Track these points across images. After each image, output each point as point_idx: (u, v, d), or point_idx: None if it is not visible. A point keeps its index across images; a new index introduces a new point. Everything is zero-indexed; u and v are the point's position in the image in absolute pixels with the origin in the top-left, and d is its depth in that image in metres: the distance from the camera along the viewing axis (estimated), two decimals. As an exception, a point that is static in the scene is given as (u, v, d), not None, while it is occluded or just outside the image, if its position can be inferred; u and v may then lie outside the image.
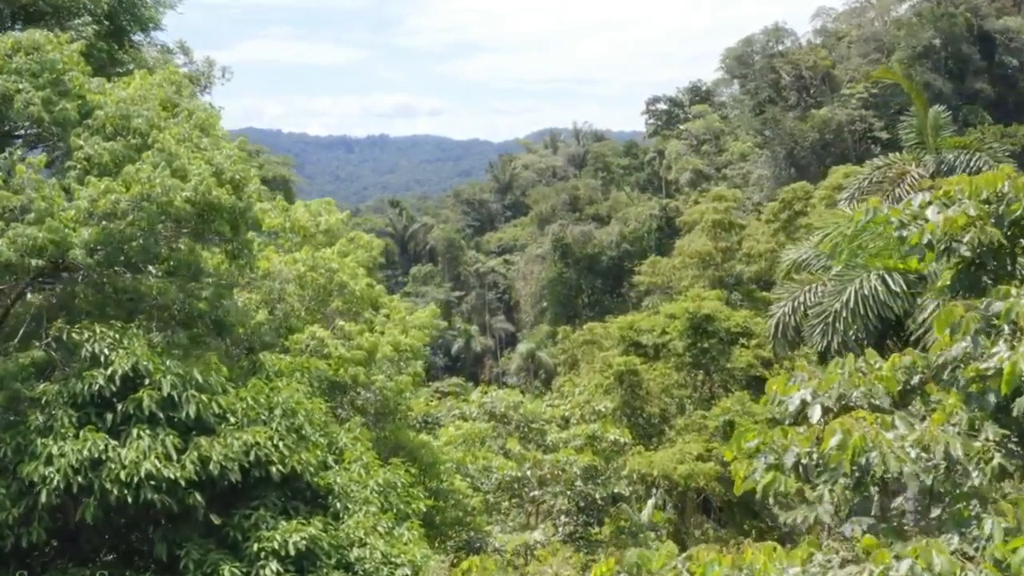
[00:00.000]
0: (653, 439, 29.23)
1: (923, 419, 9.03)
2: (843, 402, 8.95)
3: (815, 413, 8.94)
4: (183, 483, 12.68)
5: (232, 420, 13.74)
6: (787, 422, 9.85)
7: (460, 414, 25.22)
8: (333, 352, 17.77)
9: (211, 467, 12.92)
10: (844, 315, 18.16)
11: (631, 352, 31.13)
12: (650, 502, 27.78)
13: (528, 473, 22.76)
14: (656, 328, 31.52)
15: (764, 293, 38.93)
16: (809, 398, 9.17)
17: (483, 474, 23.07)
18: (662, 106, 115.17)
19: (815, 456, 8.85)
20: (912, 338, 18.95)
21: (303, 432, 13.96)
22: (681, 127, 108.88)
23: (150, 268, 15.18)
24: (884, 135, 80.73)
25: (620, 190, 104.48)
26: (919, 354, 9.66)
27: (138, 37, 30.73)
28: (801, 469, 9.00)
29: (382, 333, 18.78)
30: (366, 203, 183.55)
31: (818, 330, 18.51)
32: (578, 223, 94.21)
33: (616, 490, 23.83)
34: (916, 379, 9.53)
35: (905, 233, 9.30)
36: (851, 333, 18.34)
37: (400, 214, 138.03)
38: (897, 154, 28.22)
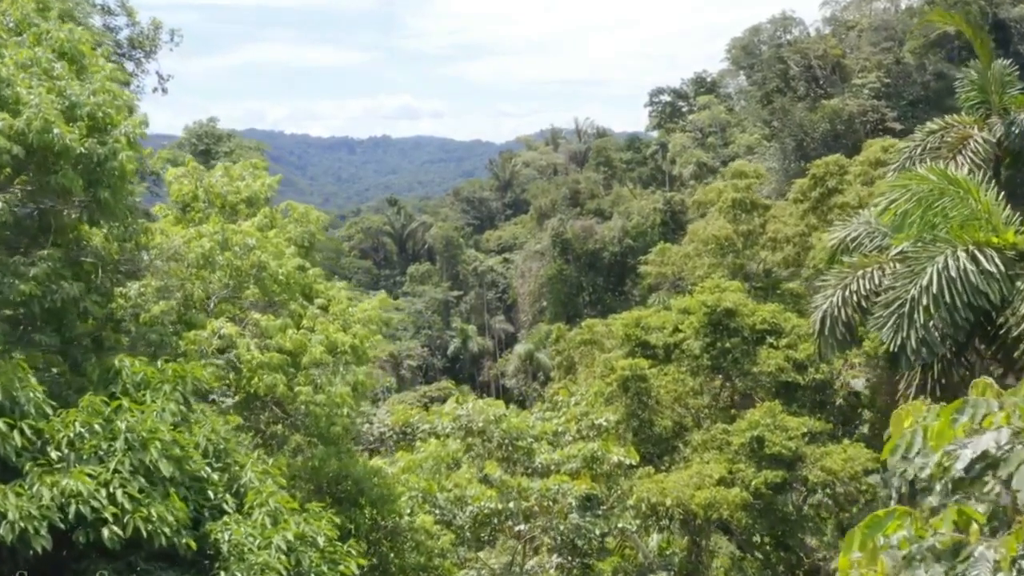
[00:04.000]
0: (664, 458, 24.64)
1: None
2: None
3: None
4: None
5: (54, 456, 9.31)
6: (940, 485, 5.28)
7: (431, 429, 20.67)
8: (243, 355, 13.27)
9: (3, 530, 8.48)
10: (924, 303, 13.66)
11: (637, 354, 26.40)
12: (655, 535, 23.14)
13: (511, 505, 18.20)
14: (667, 325, 26.80)
15: (790, 284, 34.36)
16: (1007, 442, 4.66)
17: (456, 505, 18.54)
18: (666, 98, 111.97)
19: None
20: (1010, 335, 14.52)
21: (158, 473, 9.46)
22: (686, 119, 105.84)
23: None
24: (897, 126, 77.53)
25: (623, 185, 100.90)
26: None
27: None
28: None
29: (312, 329, 14.27)
30: (368, 203, 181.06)
31: (889, 323, 13.98)
32: (579, 218, 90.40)
33: (621, 524, 19.33)
34: None
35: None
36: (932, 325, 13.83)
37: (398, 212, 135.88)
38: (955, 116, 23.73)
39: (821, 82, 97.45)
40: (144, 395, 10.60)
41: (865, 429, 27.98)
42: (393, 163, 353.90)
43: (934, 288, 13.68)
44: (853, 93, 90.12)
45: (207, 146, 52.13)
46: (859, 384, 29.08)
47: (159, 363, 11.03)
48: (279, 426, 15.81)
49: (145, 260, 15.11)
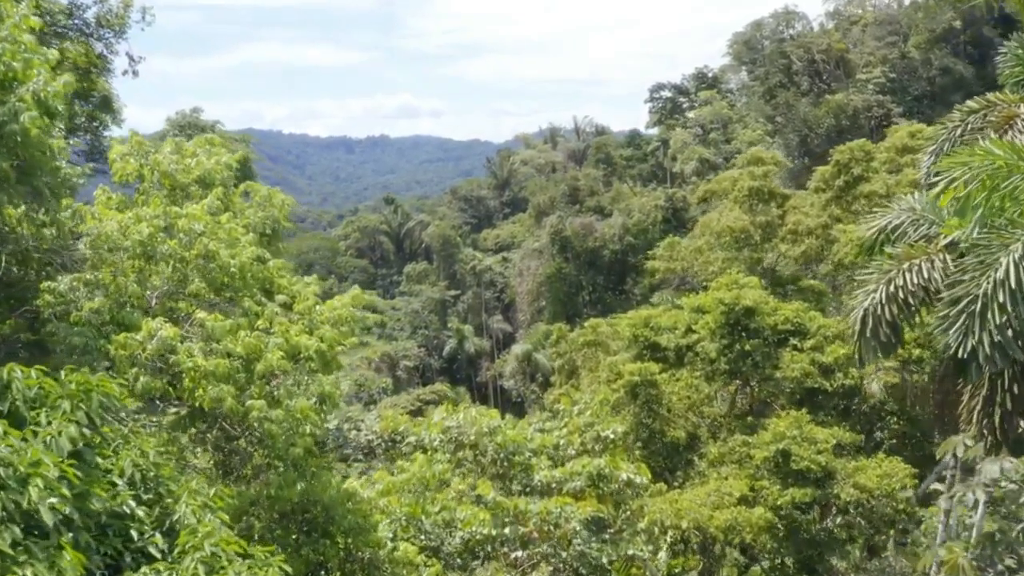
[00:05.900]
0: (677, 473, 22.34)
1: None
2: None
3: None
4: None
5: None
6: None
7: (417, 442, 18.43)
8: (183, 361, 11.03)
9: None
10: (1001, 299, 11.42)
11: (646, 357, 24.07)
12: (663, 553, 20.88)
13: (507, 531, 15.95)
14: (679, 325, 24.46)
15: (810, 281, 31.97)
16: None
17: (444, 530, 16.29)
18: (667, 94, 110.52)
19: None
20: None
21: (38, 519, 7.23)
22: (688, 115, 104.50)
23: None
24: (903, 121, 76.21)
25: (623, 182, 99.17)
26: None
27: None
28: None
29: (268, 331, 12.04)
30: (365, 203, 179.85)
31: (957, 324, 11.73)
32: (578, 216, 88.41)
33: (631, 550, 17.10)
34: None
35: None
36: (1007, 323, 11.60)
37: (396, 211, 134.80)
38: (998, 93, 21.57)
39: (824, 77, 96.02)
40: (38, 415, 8.39)
41: (887, 438, 25.74)
42: (391, 162, 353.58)
43: (1011, 282, 11.46)
44: (858, 88, 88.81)
45: (190, 138, 49.87)
46: (874, 388, 26.85)
47: (62, 374, 8.80)
48: (240, 441, 13.58)
49: (80, 250, 12.94)
